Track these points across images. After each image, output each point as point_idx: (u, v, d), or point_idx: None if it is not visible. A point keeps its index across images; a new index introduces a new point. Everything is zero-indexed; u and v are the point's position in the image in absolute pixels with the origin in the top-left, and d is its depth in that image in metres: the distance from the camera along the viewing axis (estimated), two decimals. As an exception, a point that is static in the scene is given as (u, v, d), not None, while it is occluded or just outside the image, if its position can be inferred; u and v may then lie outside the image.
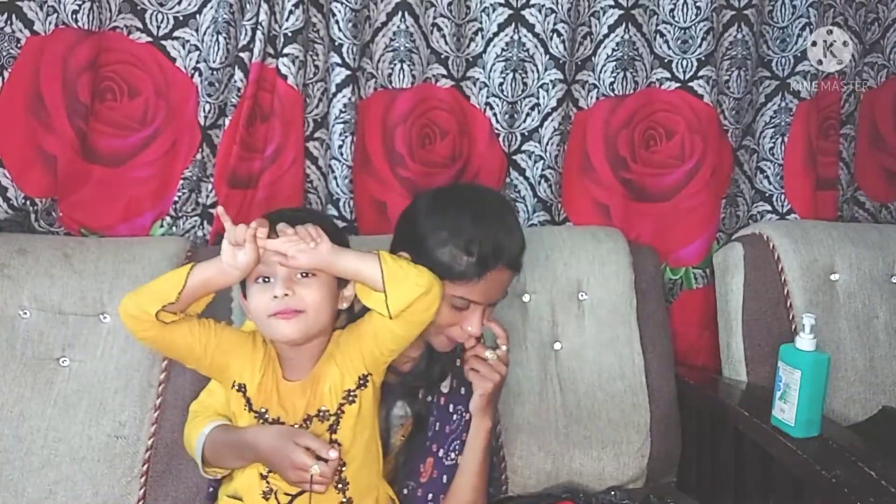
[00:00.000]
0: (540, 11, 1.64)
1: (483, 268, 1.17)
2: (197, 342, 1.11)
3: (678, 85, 1.72)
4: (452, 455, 1.26)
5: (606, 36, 1.68)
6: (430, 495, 1.25)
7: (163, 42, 1.51)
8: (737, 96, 1.77)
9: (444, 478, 1.25)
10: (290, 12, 1.49)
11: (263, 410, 1.13)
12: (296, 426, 1.13)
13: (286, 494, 1.13)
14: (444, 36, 1.63)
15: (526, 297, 1.59)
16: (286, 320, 1.08)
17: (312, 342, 1.13)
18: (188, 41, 1.51)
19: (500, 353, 1.23)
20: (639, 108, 1.72)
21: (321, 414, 1.14)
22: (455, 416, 1.27)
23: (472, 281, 1.17)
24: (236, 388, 1.14)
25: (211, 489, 1.29)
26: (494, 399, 1.25)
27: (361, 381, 1.14)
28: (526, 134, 1.71)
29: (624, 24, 1.67)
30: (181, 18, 1.51)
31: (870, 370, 1.65)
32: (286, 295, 1.07)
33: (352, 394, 1.15)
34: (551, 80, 1.66)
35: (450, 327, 1.21)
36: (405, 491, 1.25)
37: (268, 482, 1.14)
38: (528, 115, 1.69)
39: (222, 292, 1.40)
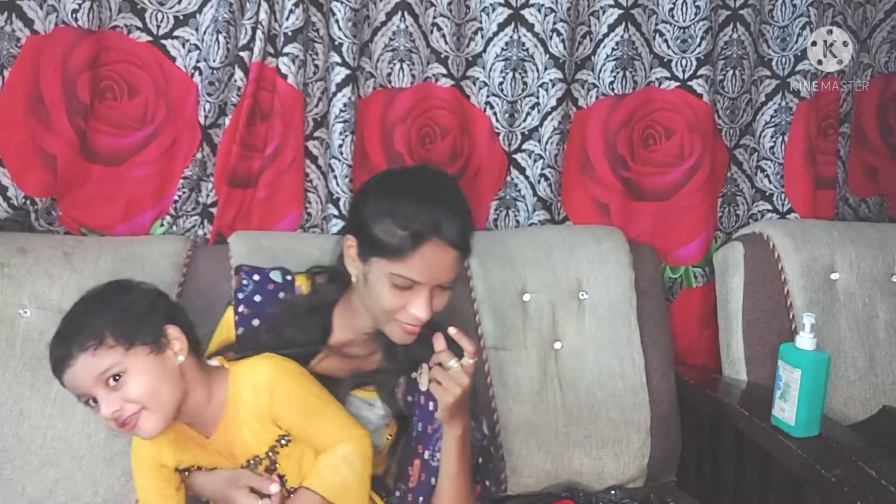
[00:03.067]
0: (539, 11, 1.64)
1: (417, 240, 1.12)
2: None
3: (677, 84, 1.72)
4: (438, 455, 1.24)
5: (606, 35, 1.68)
6: (421, 499, 1.23)
7: (163, 41, 1.51)
8: (731, 96, 1.77)
9: (433, 480, 1.23)
10: (290, 11, 1.49)
11: (197, 468, 1.14)
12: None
13: None
14: (444, 35, 1.63)
15: (526, 297, 1.59)
16: (136, 430, 1.05)
17: (191, 404, 1.09)
18: (188, 40, 1.51)
19: (465, 364, 1.17)
20: (638, 107, 1.72)
21: (252, 462, 1.12)
22: (437, 414, 1.25)
23: (407, 255, 1.13)
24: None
25: None
26: (460, 408, 1.20)
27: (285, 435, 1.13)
28: (526, 133, 1.71)
29: (623, 24, 1.67)
30: (181, 18, 1.51)
31: (870, 369, 1.65)
32: (115, 412, 1.02)
33: (284, 438, 1.12)
34: (551, 80, 1.66)
35: (398, 312, 1.17)
36: (397, 493, 1.24)
37: None
38: (527, 114, 1.69)
39: (225, 293, 1.41)
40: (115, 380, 1.03)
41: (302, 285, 1.31)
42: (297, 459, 1.13)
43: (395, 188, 1.20)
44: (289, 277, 1.31)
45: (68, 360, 1.03)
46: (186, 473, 1.14)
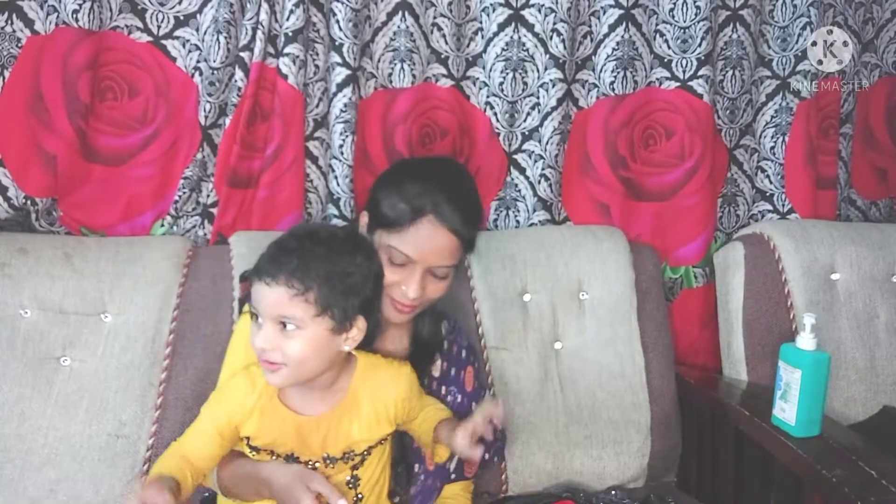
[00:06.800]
0: (540, 11, 1.64)
1: (415, 214, 1.18)
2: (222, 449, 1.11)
3: (678, 84, 1.72)
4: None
5: (606, 35, 1.68)
6: (439, 482, 1.27)
7: (163, 42, 1.51)
8: (732, 96, 1.77)
9: (447, 462, 1.27)
10: (291, 12, 1.49)
11: (269, 450, 1.12)
12: (314, 462, 1.12)
13: None
14: (444, 36, 1.63)
15: (527, 297, 1.59)
16: (269, 371, 1.05)
17: (316, 381, 1.09)
18: (188, 41, 1.52)
19: None
20: (638, 107, 1.72)
21: (346, 456, 1.12)
22: (448, 398, 1.30)
23: (404, 228, 1.18)
24: (244, 441, 1.13)
25: (206, 493, 1.29)
26: None
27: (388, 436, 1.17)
28: (526, 133, 1.71)
29: (624, 24, 1.67)
30: (181, 18, 1.51)
31: (870, 369, 1.65)
32: (265, 350, 1.03)
33: (384, 440, 1.16)
34: (551, 80, 1.66)
35: (392, 288, 1.20)
36: (416, 468, 1.27)
37: None
38: (528, 114, 1.69)
39: (225, 294, 1.42)
40: (285, 327, 1.02)
41: None
42: (376, 462, 1.16)
43: (410, 171, 1.29)
44: None
45: (268, 280, 1.02)
46: (255, 453, 1.12)
